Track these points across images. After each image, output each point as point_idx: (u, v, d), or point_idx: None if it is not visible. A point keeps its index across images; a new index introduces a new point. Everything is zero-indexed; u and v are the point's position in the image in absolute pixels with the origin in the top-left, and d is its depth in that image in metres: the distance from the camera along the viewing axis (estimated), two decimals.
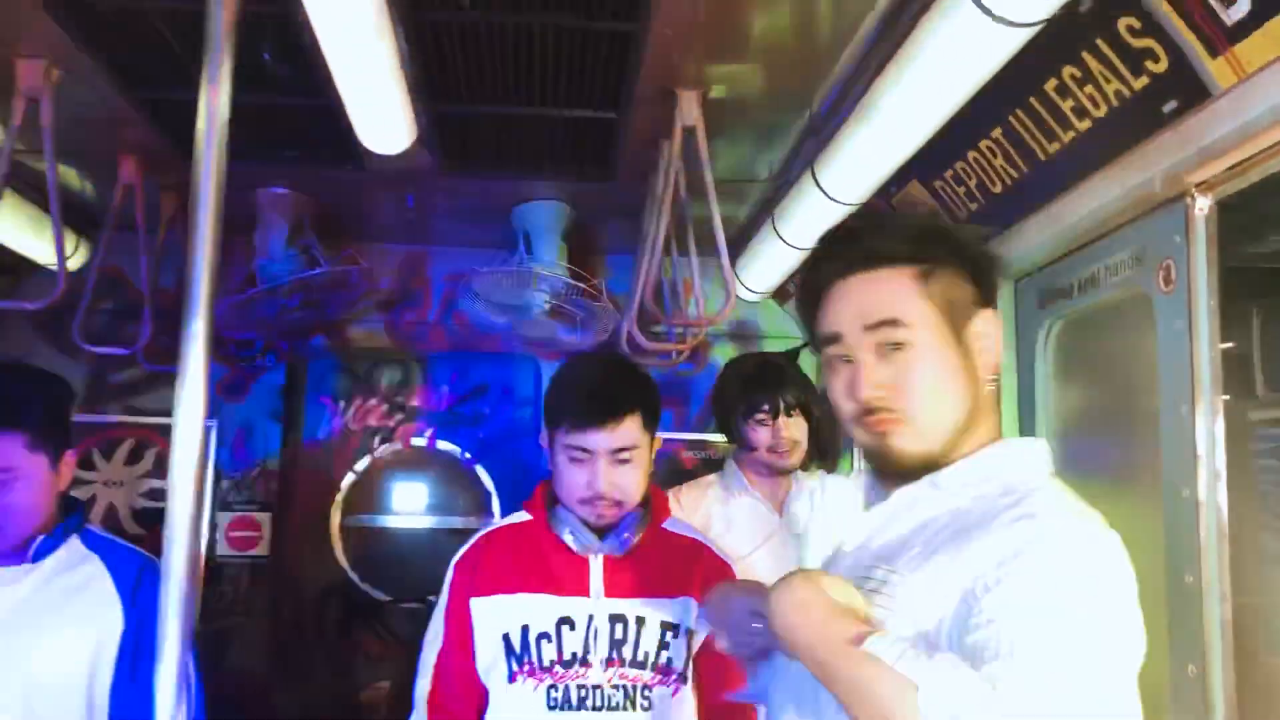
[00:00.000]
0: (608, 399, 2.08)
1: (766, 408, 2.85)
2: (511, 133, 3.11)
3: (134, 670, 1.95)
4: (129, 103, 2.82)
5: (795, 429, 2.87)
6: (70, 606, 1.96)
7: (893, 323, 1.33)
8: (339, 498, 4.38)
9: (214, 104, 1.32)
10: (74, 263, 3.95)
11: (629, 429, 2.07)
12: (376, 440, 4.45)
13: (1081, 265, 2.38)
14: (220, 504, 4.13)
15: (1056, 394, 2.60)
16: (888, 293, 1.35)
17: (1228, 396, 3.15)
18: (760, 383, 2.88)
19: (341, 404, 4.46)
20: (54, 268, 3.48)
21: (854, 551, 1.41)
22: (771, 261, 3.63)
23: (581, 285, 3.47)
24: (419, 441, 4.47)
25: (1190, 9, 1.77)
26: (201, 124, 1.32)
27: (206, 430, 4.30)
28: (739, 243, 3.73)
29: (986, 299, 1.40)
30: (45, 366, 3.73)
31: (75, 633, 1.95)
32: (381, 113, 2.61)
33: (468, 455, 4.45)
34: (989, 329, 1.39)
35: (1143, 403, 2.13)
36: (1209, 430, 1.93)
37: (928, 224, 1.44)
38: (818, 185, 2.91)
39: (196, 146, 1.34)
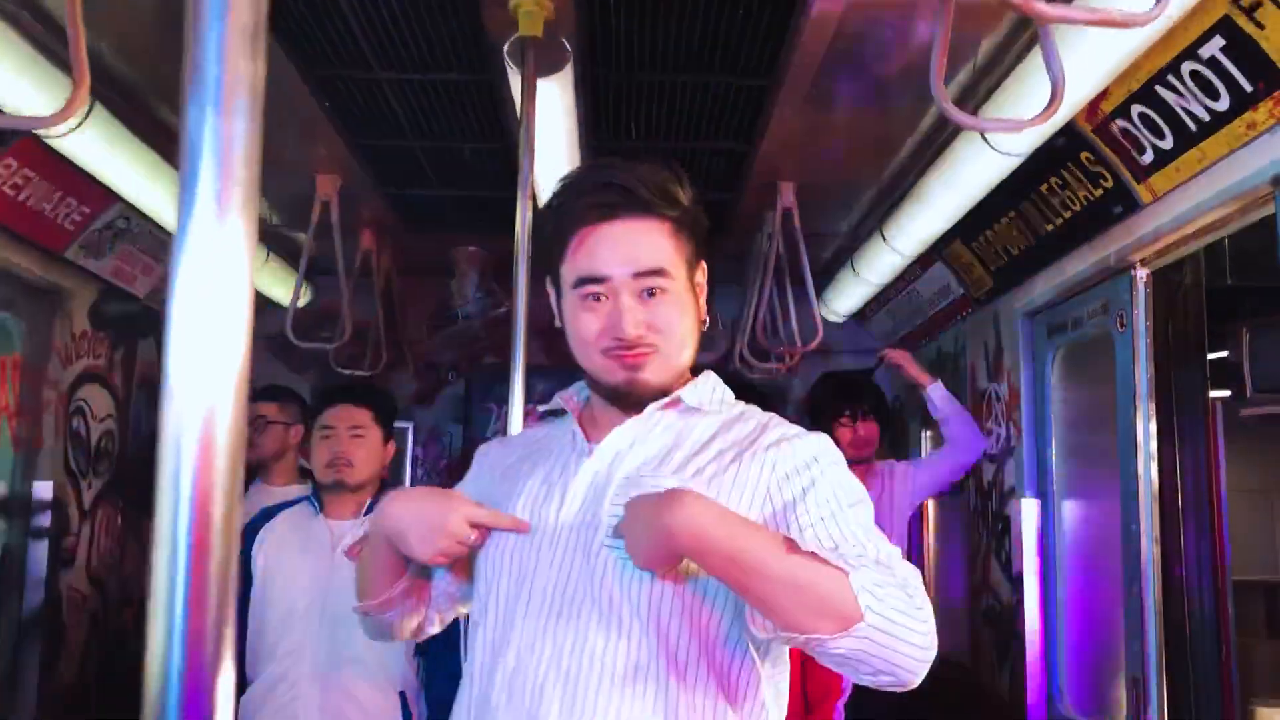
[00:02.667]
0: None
1: (849, 413, 3.83)
2: None
3: None
4: (381, 198, 3.92)
5: (870, 430, 3.84)
6: None
7: (660, 272, 1.41)
8: None
9: (524, 221, 2.37)
10: (301, 301, 5.08)
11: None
12: None
13: (1072, 310, 3.32)
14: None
15: (1059, 399, 3.52)
16: (653, 242, 1.42)
17: (1227, 393, 4.14)
18: (845, 394, 3.86)
19: (503, 408, 5.52)
20: (280, 303, 4.62)
21: (609, 463, 1.45)
22: (850, 294, 4.61)
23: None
24: None
25: (1121, 152, 2.71)
26: (519, 229, 2.38)
27: (402, 431, 5.44)
28: (823, 278, 4.70)
29: (701, 253, 1.51)
30: (276, 380, 4.91)
31: None
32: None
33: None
34: (703, 279, 1.52)
35: (1110, 407, 3.06)
36: (1145, 425, 2.86)
37: (678, 182, 1.48)
38: (884, 240, 3.88)
39: (516, 247, 2.39)
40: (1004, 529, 3.71)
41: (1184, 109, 2.42)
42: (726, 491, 1.37)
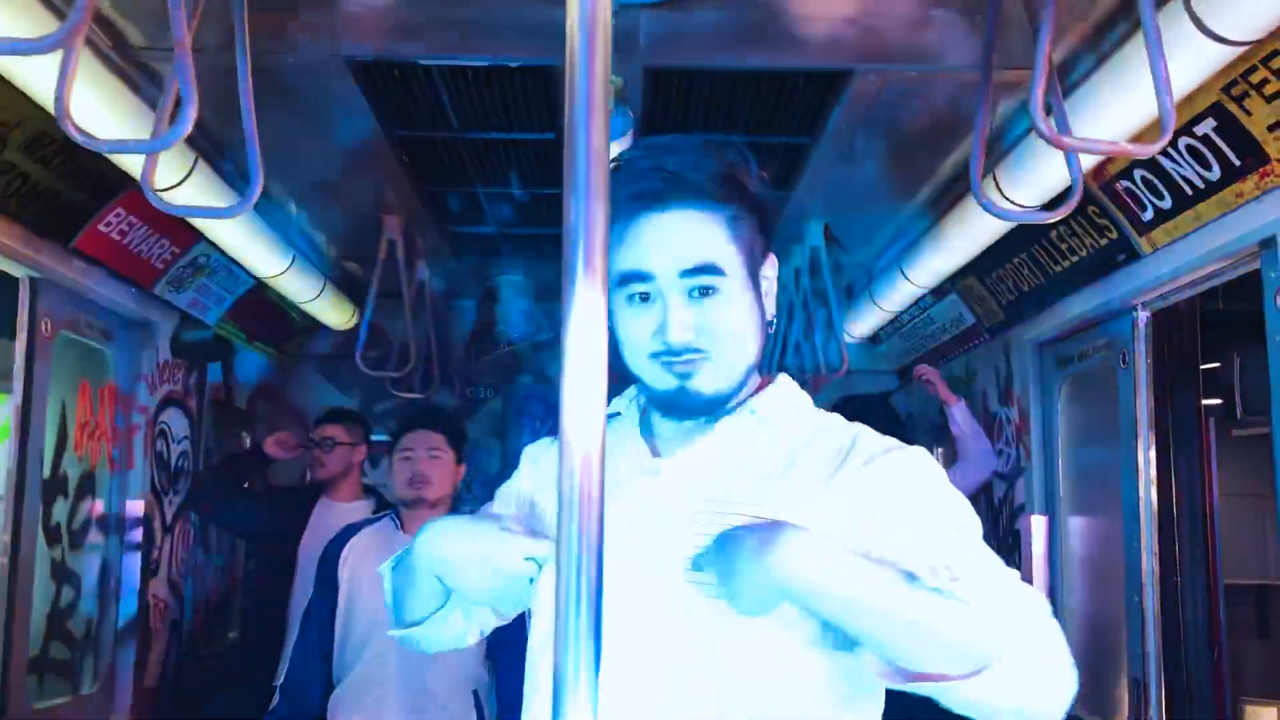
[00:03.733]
0: None
1: None
2: None
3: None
4: (439, 233, 4.24)
5: None
6: None
7: (711, 268, 1.27)
8: None
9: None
10: (349, 322, 5.39)
11: None
12: None
13: (1079, 344, 3.64)
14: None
15: (1067, 424, 3.85)
16: (705, 235, 1.28)
17: (1219, 400, 4.46)
18: (862, 417, 4.16)
19: (536, 424, 5.83)
20: (333, 327, 4.95)
21: (679, 483, 1.32)
22: (866, 318, 4.92)
23: None
24: None
25: (1124, 208, 3.04)
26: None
27: None
28: (845, 302, 5.02)
29: (769, 245, 1.38)
30: (324, 398, 5.21)
31: None
32: None
33: None
34: (772, 273, 1.38)
35: (1113, 432, 3.39)
36: (1145, 453, 3.19)
37: (737, 166, 1.33)
38: (902, 273, 4.20)
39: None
40: (1014, 543, 4.03)
41: (1181, 176, 2.74)
42: (820, 518, 1.23)
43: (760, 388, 1.41)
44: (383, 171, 3.58)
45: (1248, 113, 2.41)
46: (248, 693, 4.02)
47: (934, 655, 1.11)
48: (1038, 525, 3.86)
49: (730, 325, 1.31)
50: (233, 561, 4.99)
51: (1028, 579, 3.87)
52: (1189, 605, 4.25)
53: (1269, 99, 2.32)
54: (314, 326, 5.29)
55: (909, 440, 1.39)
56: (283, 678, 3.30)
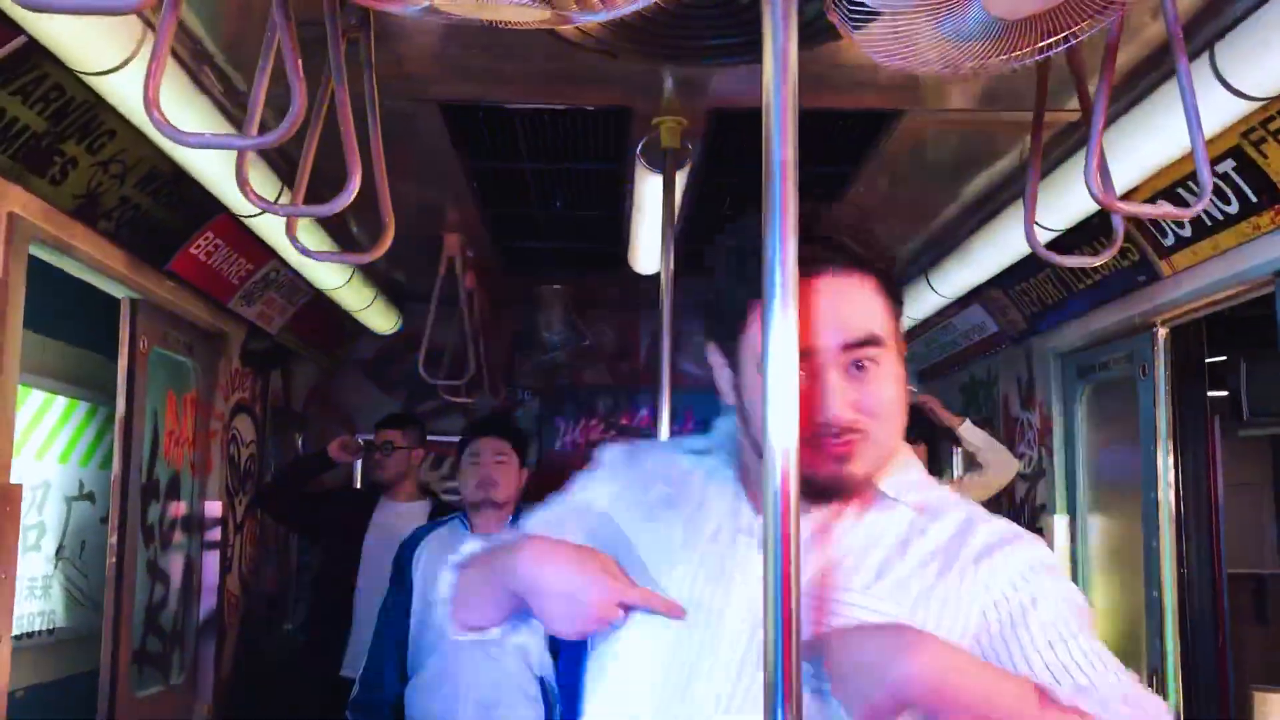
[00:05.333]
0: None
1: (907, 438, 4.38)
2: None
3: None
4: (493, 248, 4.48)
5: (918, 453, 4.40)
6: None
7: (873, 340, 1.18)
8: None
9: (668, 268, 2.93)
10: (393, 328, 5.63)
11: None
12: (598, 450, 6.07)
13: (1100, 355, 3.90)
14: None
15: (1087, 429, 4.11)
16: (863, 304, 1.19)
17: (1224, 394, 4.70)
18: None
19: (570, 424, 6.08)
20: (381, 333, 5.19)
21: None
22: None
23: None
24: None
25: (1147, 234, 3.29)
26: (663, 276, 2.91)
27: None
28: None
29: (901, 307, 1.28)
30: (370, 400, 5.46)
31: None
32: (650, 254, 4.22)
33: None
34: (901, 333, 1.27)
35: (1133, 442, 3.64)
36: (1164, 459, 3.45)
37: (870, 225, 1.27)
38: (929, 283, 4.44)
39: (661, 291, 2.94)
40: None
41: (1202, 208, 2.99)
42: (935, 615, 1.17)
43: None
44: (450, 194, 3.82)
45: (1265, 156, 2.66)
46: (312, 682, 4.28)
47: None
48: (1060, 525, 4.11)
49: (890, 400, 1.20)
50: (287, 557, 5.24)
51: None
52: (1197, 596, 4.53)
53: None
54: (359, 333, 5.53)
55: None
56: (362, 669, 3.54)
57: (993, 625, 1.16)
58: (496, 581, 1.29)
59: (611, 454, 1.48)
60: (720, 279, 1.29)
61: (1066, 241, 3.48)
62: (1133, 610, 3.68)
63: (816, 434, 1.17)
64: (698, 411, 6.02)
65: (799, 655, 0.89)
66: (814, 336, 1.17)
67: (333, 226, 4.20)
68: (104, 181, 2.86)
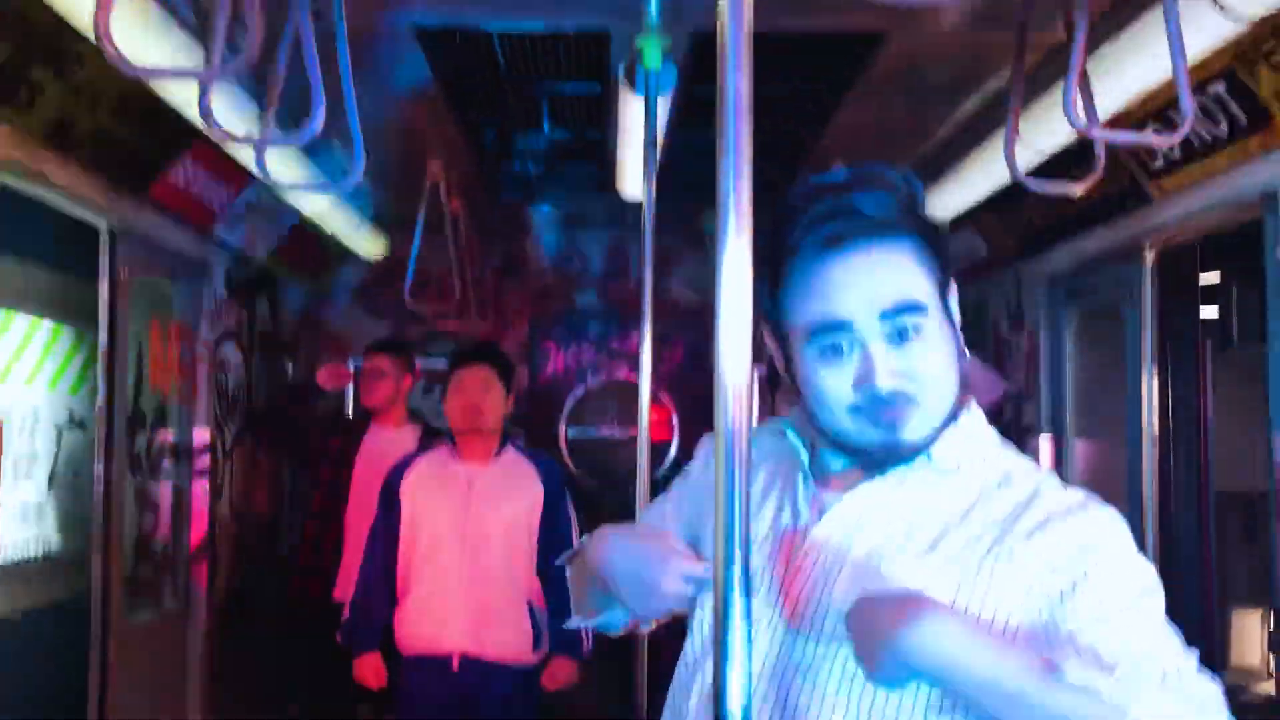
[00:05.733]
0: None
1: None
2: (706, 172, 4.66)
3: (551, 525, 3.54)
4: (478, 173, 4.43)
5: None
6: (518, 486, 3.57)
7: (913, 307, 1.18)
8: (564, 415, 6.02)
9: (649, 200, 2.91)
10: (383, 253, 5.58)
11: None
12: (587, 375, 6.08)
13: (1088, 279, 3.88)
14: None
15: (1075, 352, 4.10)
16: (899, 271, 1.19)
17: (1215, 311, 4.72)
18: None
19: (560, 349, 6.07)
20: (368, 257, 5.16)
21: (840, 532, 1.24)
22: None
23: None
24: (619, 376, 6.09)
25: (1136, 157, 3.25)
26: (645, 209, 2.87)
27: None
28: None
29: (951, 273, 1.26)
30: (359, 326, 5.45)
31: (520, 497, 3.55)
32: (635, 177, 4.16)
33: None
34: (955, 303, 1.26)
35: (1118, 361, 3.64)
36: (1149, 385, 3.45)
37: (912, 193, 1.26)
38: None
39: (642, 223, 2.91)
40: None
41: (1192, 130, 2.94)
42: (983, 591, 1.16)
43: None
44: (431, 119, 3.76)
45: (1257, 79, 2.61)
46: (305, 606, 4.34)
47: None
48: (1045, 447, 4.13)
49: (936, 366, 1.20)
50: (279, 483, 5.27)
51: None
52: (1182, 516, 4.56)
53: (1276, 69, 2.52)
54: (349, 258, 5.49)
55: None
56: (353, 594, 3.58)
57: (1041, 599, 1.14)
58: (587, 575, 1.40)
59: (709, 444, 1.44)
60: (760, 258, 1.21)
61: (1059, 164, 3.44)
62: None
63: (861, 406, 1.19)
64: (687, 338, 6.02)
65: (748, 597, 0.87)
66: (850, 307, 1.19)
67: (318, 153, 4.14)
68: (76, 108, 2.81)
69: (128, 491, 3.53)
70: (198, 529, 4.05)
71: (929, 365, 1.19)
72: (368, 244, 5.27)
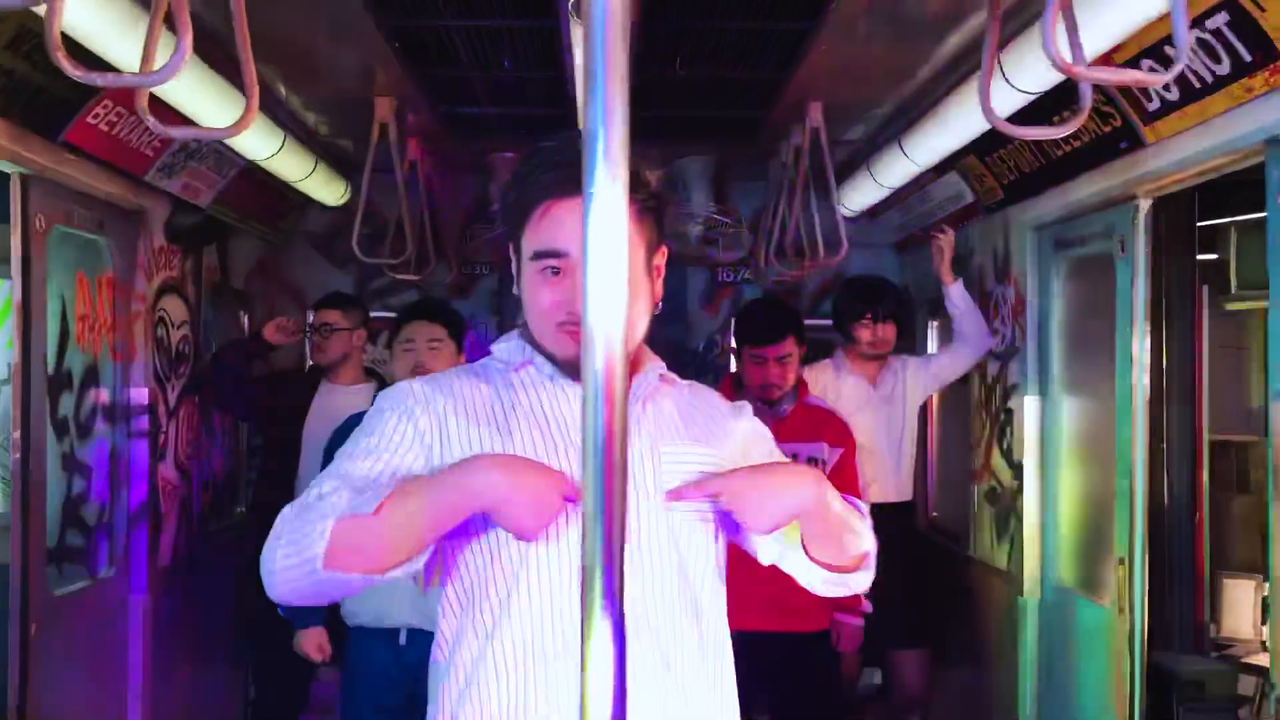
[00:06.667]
0: (774, 324, 3.45)
1: (870, 315, 4.18)
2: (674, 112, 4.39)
3: None
4: (431, 114, 4.16)
5: (888, 331, 4.20)
6: None
7: None
8: None
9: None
10: (342, 199, 5.32)
11: (788, 344, 3.45)
12: None
13: (1078, 228, 3.64)
14: None
15: (1064, 306, 3.87)
16: None
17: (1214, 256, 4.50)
18: (866, 297, 4.20)
19: None
20: (326, 204, 4.91)
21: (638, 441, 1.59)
22: (864, 193, 4.86)
23: (725, 220, 4.80)
24: None
25: (1130, 97, 2.99)
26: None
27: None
28: (839, 178, 4.96)
29: (662, 238, 1.60)
30: (320, 276, 5.21)
31: None
32: None
33: None
34: (663, 261, 1.61)
35: (1110, 321, 3.41)
36: (1140, 342, 3.23)
37: (644, 167, 1.54)
38: (902, 151, 4.15)
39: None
40: (1007, 420, 4.11)
41: (1190, 68, 2.69)
42: (731, 454, 1.63)
43: (640, 357, 1.63)
44: (373, 56, 3.50)
45: (1262, 9, 2.36)
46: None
47: (849, 554, 1.63)
48: (1031, 406, 3.92)
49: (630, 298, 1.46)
50: (236, 441, 5.06)
51: (1020, 458, 3.96)
52: (1175, 471, 4.38)
53: None
54: (306, 204, 5.24)
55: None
56: None
57: (751, 458, 1.65)
58: (438, 508, 1.40)
59: (408, 386, 1.62)
60: (508, 181, 1.62)
61: (1047, 105, 3.19)
62: (1103, 496, 3.51)
63: (565, 322, 1.49)
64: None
65: (622, 533, 0.79)
66: (570, 242, 1.46)
67: (269, 101, 3.89)
68: None
69: (51, 457, 3.31)
70: (137, 492, 3.84)
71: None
72: (325, 191, 5.01)
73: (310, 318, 4.53)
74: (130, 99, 3.21)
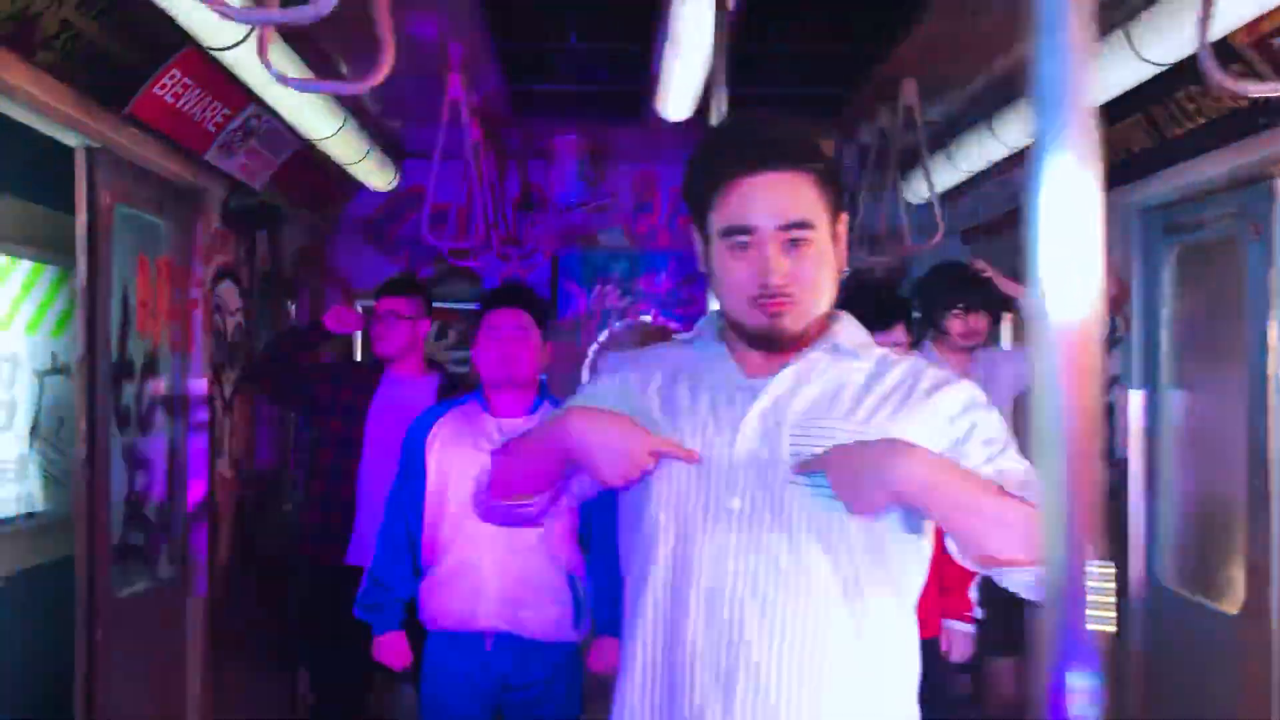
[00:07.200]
0: (883, 312, 3.23)
1: (962, 305, 3.96)
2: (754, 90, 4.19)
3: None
4: (503, 90, 3.96)
5: (982, 321, 3.99)
6: None
7: (805, 224, 1.47)
8: (588, 361, 5.60)
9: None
10: (391, 184, 5.13)
11: (897, 332, 3.24)
12: (613, 317, 5.65)
13: (1196, 211, 3.44)
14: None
15: (1174, 295, 3.68)
16: (799, 195, 1.48)
17: None
18: (959, 286, 3.98)
19: (585, 289, 5.63)
20: (376, 188, 4.72)
21: (777, 401, 1.53)
22: (938, 177, 4.67)
23: None
24: (646, 318, 5.66)
25: (1278, 66, 2.79)
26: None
27: None
28: (911, 160, 4.77)
29: (842, 204, 1.57)
30: (367, 263, 5.04)
31: None
32: (684, 99, 3.70)
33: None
34: (844, 230, 1.57)
35: (1229, 309, 3.21)
36: (1277, 331, 3.02)
37: (818, 134, 1.57)
38: (991, 130, 3.96)
39: None
40: (1106, 415, 3.91)
41: None
42: (900, 434, 1.47)
43: (824, 326, 1.58)
44: (454, 26, 3.30)
45: None
46: (315, 571, 3.96)
47: (1010, 546, 1.37)
48: (1135, 400, 3.72)
49: (815, 275, 1.51)
50: (283, 434, 4.86)
51: (1124, 453, 3.77)
52: None
53: None
54: (355, 190, 5.05)
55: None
56: (370, 564, 3.19)
57: (942, 443, 1.47)
58: (541, 451, 1.60)
59: (609, 360, 1.78)
60: (689, 163, 1.60)
61: (1166, 75, 3.00)
62: (1222, 495, 3.32)
63: (756, 295, 1.49)
64: None
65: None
66: (759, 217, 1.49)
67: (317, 63, 3.69)
68: (36, 1, 2.35)
69: (115, 451, 3.12)
70: (196, 489, 3.64)
71: (810, 272, 1.50)
72: (376, 175, 4.81)
73: (365, 303, 4.33)
74: (202, 68, 3.02)
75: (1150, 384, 3.70)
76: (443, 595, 3.08)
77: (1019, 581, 1.40)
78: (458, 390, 3.92)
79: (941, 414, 1.50)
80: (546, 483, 1.63)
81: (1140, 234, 3.75)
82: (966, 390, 1.55)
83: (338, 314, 4.04)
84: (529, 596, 3.05)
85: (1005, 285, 3.96)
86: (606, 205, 4.69)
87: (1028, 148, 2.99)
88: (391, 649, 3.19)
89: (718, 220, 1.52)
